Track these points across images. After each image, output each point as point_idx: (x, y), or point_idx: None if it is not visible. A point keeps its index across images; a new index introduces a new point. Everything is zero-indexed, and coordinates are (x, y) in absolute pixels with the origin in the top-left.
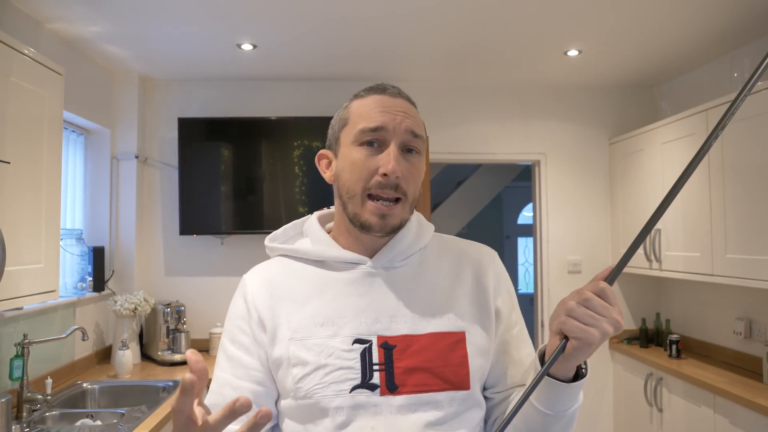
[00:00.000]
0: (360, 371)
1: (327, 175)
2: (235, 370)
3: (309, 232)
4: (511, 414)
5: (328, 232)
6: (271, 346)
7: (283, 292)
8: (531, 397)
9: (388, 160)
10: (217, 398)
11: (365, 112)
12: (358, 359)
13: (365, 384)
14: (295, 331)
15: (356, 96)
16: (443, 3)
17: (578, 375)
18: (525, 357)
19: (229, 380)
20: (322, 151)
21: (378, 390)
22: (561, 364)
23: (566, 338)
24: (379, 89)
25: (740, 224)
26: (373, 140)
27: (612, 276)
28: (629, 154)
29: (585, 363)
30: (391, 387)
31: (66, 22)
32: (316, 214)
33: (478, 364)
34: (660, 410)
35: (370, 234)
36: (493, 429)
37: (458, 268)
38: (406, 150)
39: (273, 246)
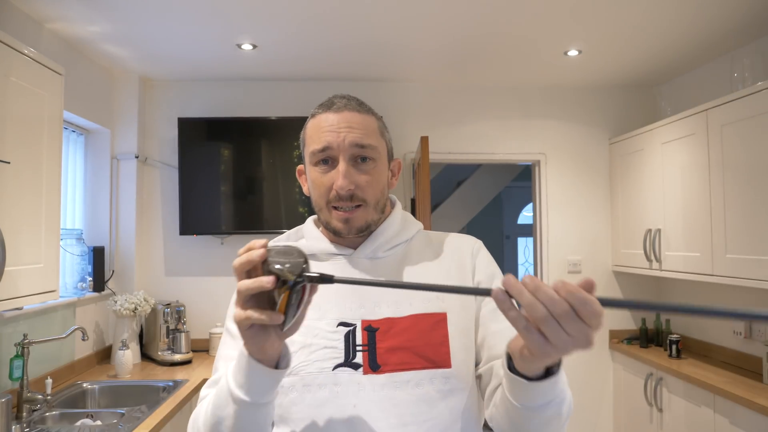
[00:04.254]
0: (343, 351)
1: (305, 188)
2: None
3: (305, 231)
4: None
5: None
6: None
7: None
8: (506, 391)
9: (337, 177)
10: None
11: (314, 134)
12: (342, 340)
13: (348, 363)
14: None
15: (311, 115)
16: (443, 3)
17: (551, 370)
18: (505, 329)
19: (234, 356)
20: (299, 167)
21: (361, 369)
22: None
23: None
24: (327, 106)
25: (740, 224)
26: (324, 159)
27: (607, 301)
28: (629, 154)
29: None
30: (373, 366)
31: (66, 22)
32: (313, 216)
33: (460, 344)
34: (660, 410)
35: (341, 237)
36: None
37: (441, 256)
38: (359, 161)
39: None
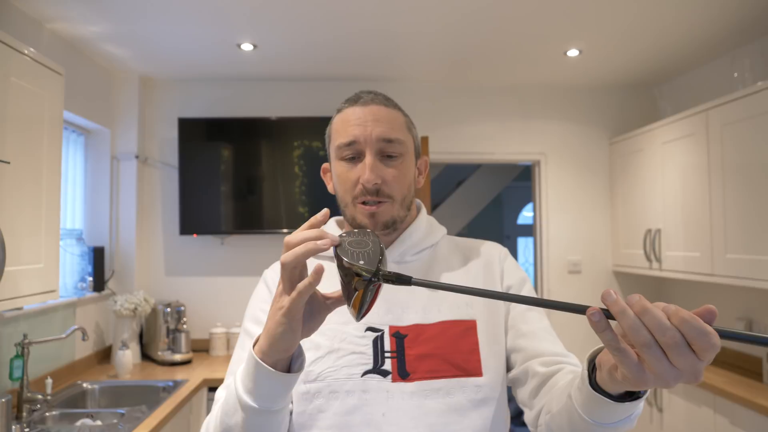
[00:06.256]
0: (372, 357)
1: (329, 187)
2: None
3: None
4: None
5: None
6: None
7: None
8: (576, 404)
9: (363, 171)
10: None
11: (341, 128)
12: (370, 345)
13: (377, 369)
14: None
15: (338, 110)
16: (443, 3)
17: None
18: (537, 330)
19: None
20: (324, 165)
21: (390, 376)
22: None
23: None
24: (353, 100)
25: (740, 224)
26: (351, 154)
27: (728, 333)
28: (629, 154)
29: None
30: (402, 374)
31: (66, 22)
32: (335, 217)
33: (490, 351)
34: (660, 410)
35: None
36: None
37: (468, 262)
38: (386, 156)
39: None
